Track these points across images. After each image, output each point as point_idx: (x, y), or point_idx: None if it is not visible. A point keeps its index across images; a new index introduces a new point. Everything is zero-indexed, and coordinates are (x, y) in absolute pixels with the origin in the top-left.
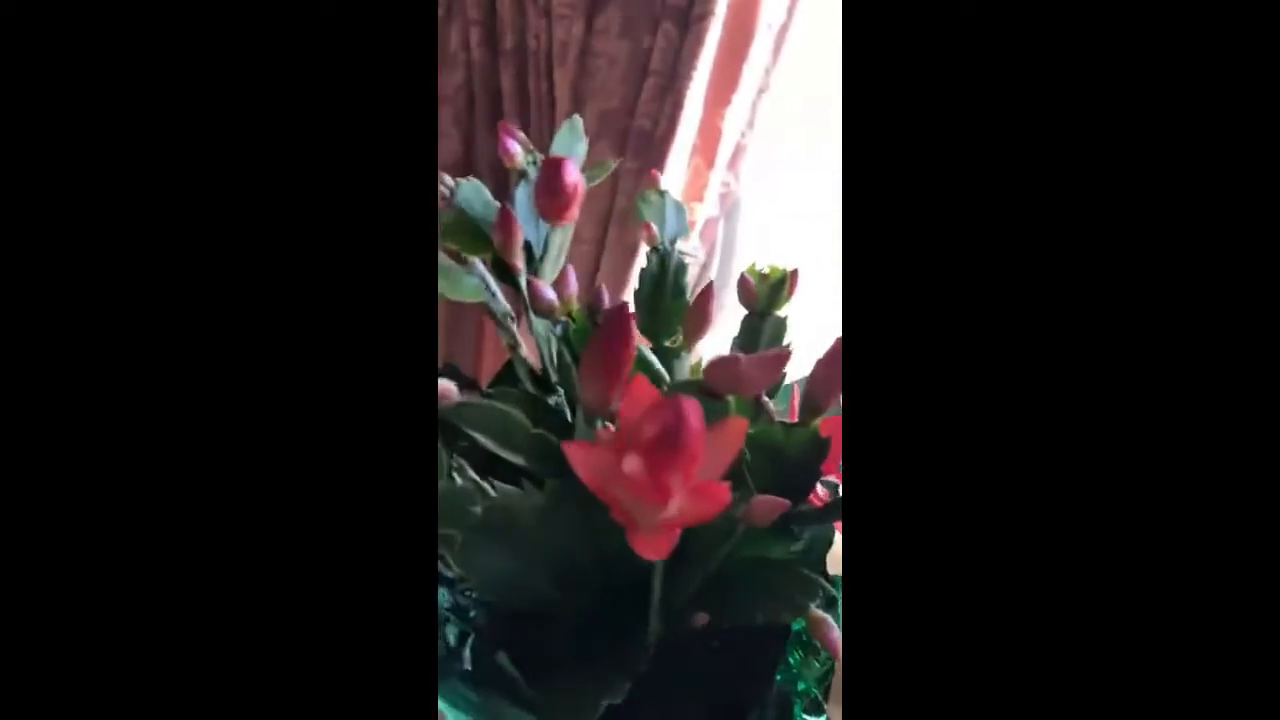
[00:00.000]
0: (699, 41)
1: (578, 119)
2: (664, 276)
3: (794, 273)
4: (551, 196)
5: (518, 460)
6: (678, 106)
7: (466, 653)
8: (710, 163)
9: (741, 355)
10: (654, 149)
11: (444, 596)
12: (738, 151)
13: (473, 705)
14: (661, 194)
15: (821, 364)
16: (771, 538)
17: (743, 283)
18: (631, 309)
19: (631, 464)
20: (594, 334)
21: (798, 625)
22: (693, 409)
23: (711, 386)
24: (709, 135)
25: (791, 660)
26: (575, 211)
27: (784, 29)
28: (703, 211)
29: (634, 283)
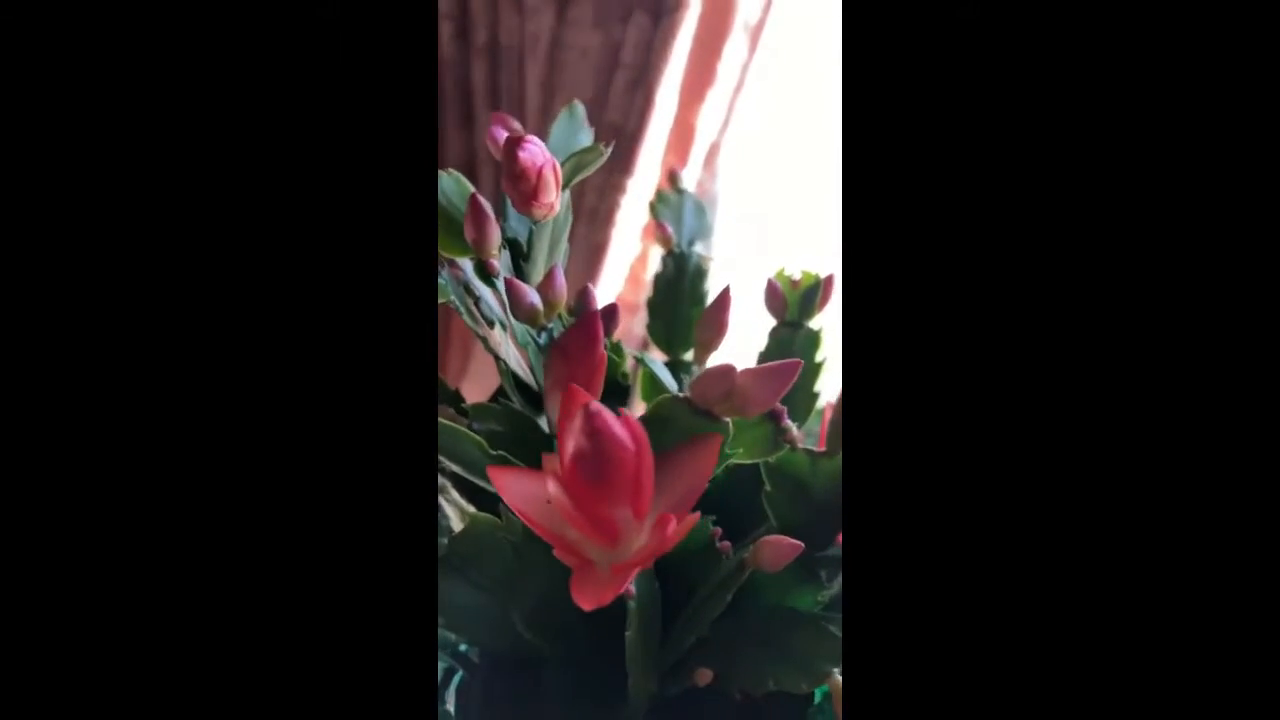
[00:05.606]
0: (672, 33)
1: (578, 105)
2: (680, 282)
3: (829, 279)
4: (513, 180)
5: (489, 487)
6: (649, 101)
7: (450, 693)
8: (684, 161)
9: (736, 366)
10: (625, 144)
11: None
12: (713, 151)
13: None
14: (680, 193)
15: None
16: (794, 583)
17: (770, 290)
18: (645, 317)
19: (554, 491)
20: (559, 336)
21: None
22: (624, 423)
23: (702, 404)
24: (683, 133)
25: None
26: (551, 199)
27: (760, 26)
28: None
29: (602, 283)
